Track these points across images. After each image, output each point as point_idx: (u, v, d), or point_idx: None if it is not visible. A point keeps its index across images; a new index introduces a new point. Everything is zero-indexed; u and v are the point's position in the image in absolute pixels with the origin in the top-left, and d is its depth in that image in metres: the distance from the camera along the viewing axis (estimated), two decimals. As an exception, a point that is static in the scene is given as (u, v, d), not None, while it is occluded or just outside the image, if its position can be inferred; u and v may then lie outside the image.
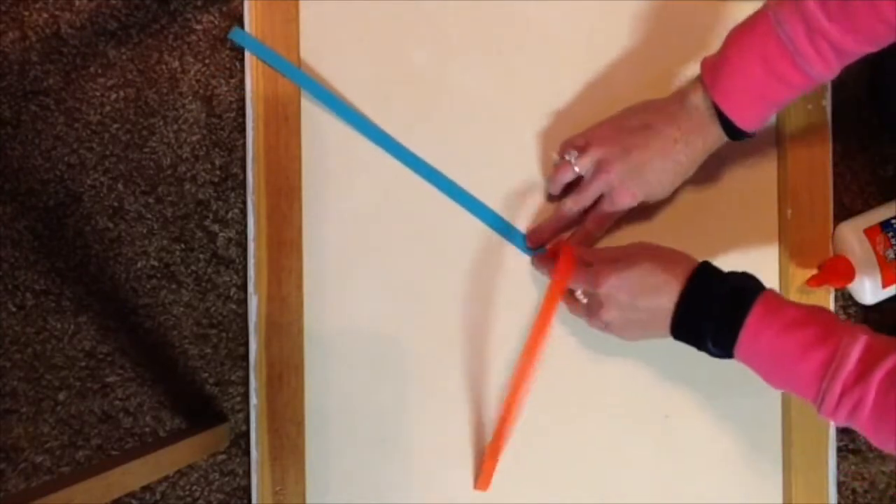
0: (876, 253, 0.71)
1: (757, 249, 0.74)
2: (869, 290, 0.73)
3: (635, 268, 0.61)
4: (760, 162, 0.73)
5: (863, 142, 0.76)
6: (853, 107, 0.76)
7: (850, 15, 0.54)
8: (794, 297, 0.72)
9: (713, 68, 0.61)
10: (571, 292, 0.68)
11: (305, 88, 0.73)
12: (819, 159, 0.73)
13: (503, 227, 0.73)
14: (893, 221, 0.72)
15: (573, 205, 0.68)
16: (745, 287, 0.59)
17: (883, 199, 0.74)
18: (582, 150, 0.67)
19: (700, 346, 0.60)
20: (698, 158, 0.65)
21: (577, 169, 0.67)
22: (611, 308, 0.63)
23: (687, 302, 0.59)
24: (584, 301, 0.67)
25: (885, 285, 0.72)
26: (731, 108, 0.60)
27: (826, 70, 0.57)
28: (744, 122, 0.61)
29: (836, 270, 0.71)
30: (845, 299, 0.75)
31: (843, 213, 0.74)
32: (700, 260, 0.61)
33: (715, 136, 0.63)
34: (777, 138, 0.74)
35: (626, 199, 0.66)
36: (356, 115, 0.73)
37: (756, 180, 0.73)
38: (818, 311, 0.57)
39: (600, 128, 0.68)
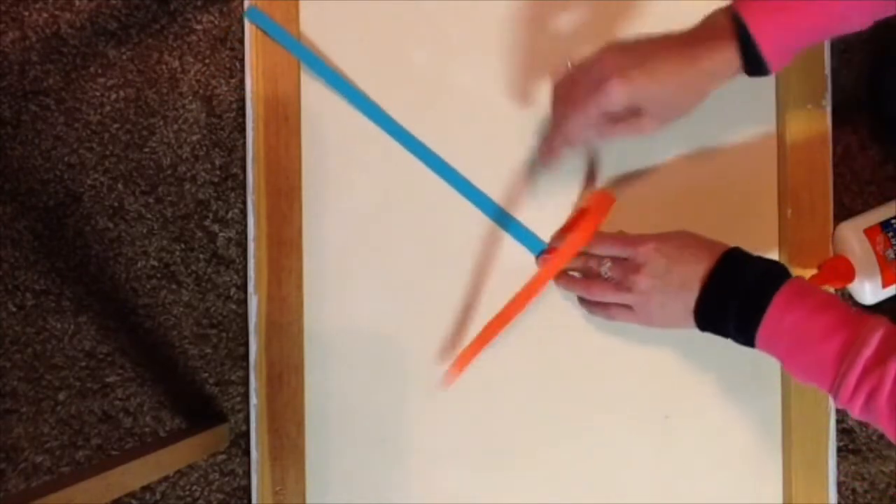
0: (876, 253, 0.71)
1: (757, 249, 0.73)
2: (869, 290, 0.73)
3: (676, 236, 0.63)
4: (760, 162, 0.73)
5: (863, 142, 0.76)
6: (853, 107, 0.76)
7: None
8: (794, 297, 0.72)
9: None
10: (593, 278, 0.68)
11: (316, 71, 0.73)
12: (819, 159, 0.73)
13: (497, 213, 0.72)
14: (893, 221, 0.72)
15: (557, 98, 0.64)
16: (775, 270, 0.59)
17: (883, 199, 0.74)
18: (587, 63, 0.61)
19: (722, 327, 0.60)
20: (702, 80, 0.58)
21: (568, 64, 0.62)
22: (648, 273, 0.63)
23: (716, 277, 0.60)
24: (610, 275, 0.66)
25: (885, 285, 0.72)
26: (752, 17, 0.54)
27: (859, 8, 0.53)
28: (765, 40, 0.54)
29: (836, 270, 0.71)
30: (845, 299, 0.75)
31: (843, 213, 0.74)
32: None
33: (725, 58, 0.56)
34: (777, 138, 0.74)
35: (618, 85, 0.57)
36: (366, 101, 0.73)
37: (756, 180, 0.73)
38: (842, 301, 0.57)
39: (604, 53, 0.61)
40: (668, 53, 0.58)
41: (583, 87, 0.60)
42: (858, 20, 0.55)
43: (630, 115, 0.60)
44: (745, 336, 0.59)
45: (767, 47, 0.55)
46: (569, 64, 0.63)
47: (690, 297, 0.61)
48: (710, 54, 0.57)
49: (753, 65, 0.56)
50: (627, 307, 0.66)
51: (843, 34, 0.56)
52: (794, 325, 0.56)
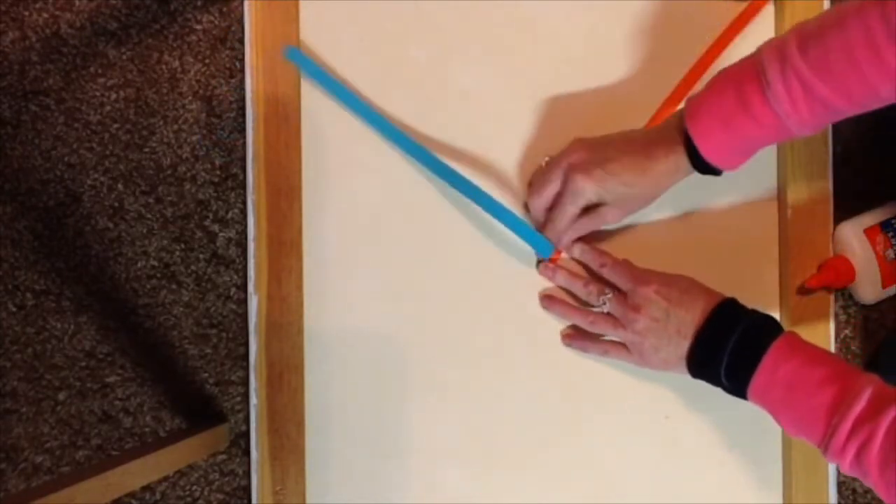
0: (876, 253, 0.71)
1: (757, 249, 0.74)
2: (869, 290, 0.73)
3: (679, 280, 0.65)
4: (760, 162, 0.73)
5: (863, 142, 0.76)
6: (853, 107, 0.76)
7: (826, 62, 0.53)
8: (794, 297, 0.73)
9: (694, 97, 0.61)
10: (589, 306, 0.70)
11: (360, 112, 0.73)
12: (819, 159, 0.73)
13: (509, 218, 0.71)
14: (893, 221, 0.72)
15: (533, 198, 0.69)
16: (768, 324, 0.60)
17: (883, 199, 0.74)
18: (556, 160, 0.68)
19: (714, 377, 0.61)
20: (661, 176, 0.63)
21: (542, 163, 0.68)
22: (647, 314, 0.64)
23: (710, 327, 0.61)
24: (608, 309, 0.67)
25: (885, 285, 0.72)
26: (697, 130, 0.59)
27: (794, 114, 0.55)
28: (707, 148, 0.59)
29: (836, 270, 0.71)
30: (845, 299, 0.75)
31: (843, 213, 0.74)
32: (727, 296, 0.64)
33: (679, 159, 0.62)
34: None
35: (581, 180, 0.64)
36: (413, 144, 0.73)
37: (756, 181, 0.73)
38: (835, 356, 0.59)
39: (579, 139, 0.68)
40: (629, 154, 0.63)
41: (552, 185, 0.67)
42: (800, 130, 0.57)
43: (595, 207, 0.66)
44: (737, 387, 0.60)
45: (714, 158, 0.60)
46: (544, 162, 0.69)
47: (684, 345, 0.63)
48: (665, 157, 0.62)
49: (703, 169, 0.62)
50: (623, 345, 0.68)
51: (797, 137, 0.59)
52: (787, 378, 0.57)
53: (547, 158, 0.69)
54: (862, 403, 0.53)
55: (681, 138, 0.61)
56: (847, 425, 0.53)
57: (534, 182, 0.70)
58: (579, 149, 0.66)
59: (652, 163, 0.62)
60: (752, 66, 0.57)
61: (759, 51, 0.57)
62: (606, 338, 0.70)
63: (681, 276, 0.66)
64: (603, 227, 0.69)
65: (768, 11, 0.73)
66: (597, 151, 0.65)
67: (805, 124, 0.56)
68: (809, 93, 0.54)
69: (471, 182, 0.71)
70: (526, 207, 0.72)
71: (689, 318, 0.62)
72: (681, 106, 0.64)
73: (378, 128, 0.73)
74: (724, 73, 0.60)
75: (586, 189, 0.64)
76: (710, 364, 0.61)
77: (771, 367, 0.58)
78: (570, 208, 0.66)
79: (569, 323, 0.72)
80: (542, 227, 0.70)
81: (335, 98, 0.73)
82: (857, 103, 0.55)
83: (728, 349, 0.60)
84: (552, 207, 0.68)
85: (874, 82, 0.52)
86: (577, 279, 0.70)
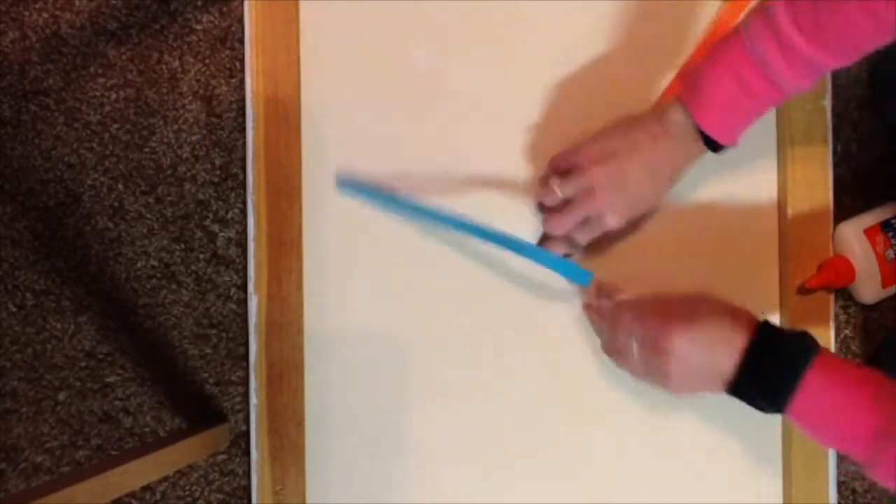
0: (876, 253, 0.71)
1: (757, 249, 0.74)
2: (869, 290, 0.73)
3: (697, 322, 0.59)
4: (760, 162, 0.73)
5: (863, 142, 0.76)
6: (853, 107, 0.76)
7: (821, 27, 0.54)
8: (794, 297, 0.72)
9: (689, 84, 0.61)
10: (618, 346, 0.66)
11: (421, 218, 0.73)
12: (819, 159, 0.73)
13: (558, 264, 0.71)
14: (893, 221, 0.72)
15: (557, 228, 0.68)
16: (805, 343, 0.58)
17: (883, 199, 0.74)
18: (567, 175, 0.67)
19: (752, 398, 0.58)
20: (681, 170, 0.65)
21: (561, 195, 0.67)
22: (670, 361, 0.60)
23: (754, 359, 0.58)
24: (635, 354, 0.64)
25: (885, 285, 0.72)
26: (707, 122, 0.61)
27: (800, 82, 0.57)
28: (723, 136, 0.62)
29: (836, 270, 0.71)
30: (845, 299, 0.76)
31: (843, 213, 0.74)
32: (759, 316, 0.60)
33: (695, 150, 0.64)
34: (777, 138, 0.73)
35: (613, 222, 0.66)
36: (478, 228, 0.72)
37: (756, 180, 0.73)
38: (871, 374, 0.57)
39: (587, 149, 0.66)
40: (649, 169, 0.64)
41: (574, 215, 0.67)
42: (805, 86, 0.58)
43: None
44: (774, 409, 0.58)
45: (728, 138, 0.62)
46: (556, 188, 0.67)
47: (719, 382, 0.59)
48: (686, 162, 0.64)
49: (719, 148, 0.63)
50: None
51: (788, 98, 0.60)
52: (828, 401, 0.55)
53: (558, 182, 0.67)
54: None
55: (692, 133, 0.62)
56: (890, 453, 0.52)
57: (547, 204, 0.69)
58: (591, 165, 0.65)
59: (670, 165, 0.64)
60: (743, 51, 0.58)
61: (747, 30, 0.57)
62: None
63: (699, 306, 0.61)
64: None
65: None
66: (611, 173, 0.65)
67: (808, 85, 0.58)
68: (812, 62, 0.56)
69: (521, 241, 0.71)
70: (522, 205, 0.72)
71: (714, 360, 0.59)
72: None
73: (455, 228, 0.72)
74: (716, 57, 0.60)
75: (620, 225, 0.66)
76: (750, 395, 0.59)
77: (811, 392, 0.56)
78: (594, 234, 0.68)
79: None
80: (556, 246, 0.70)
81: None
82: (854, 58, 0.56)
83: (767, 381, 0.57)
84: (557, 224, 0.68)
85: (867, 32, 0.53)
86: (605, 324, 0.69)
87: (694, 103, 0.61)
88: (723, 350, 0.58)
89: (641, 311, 0.64)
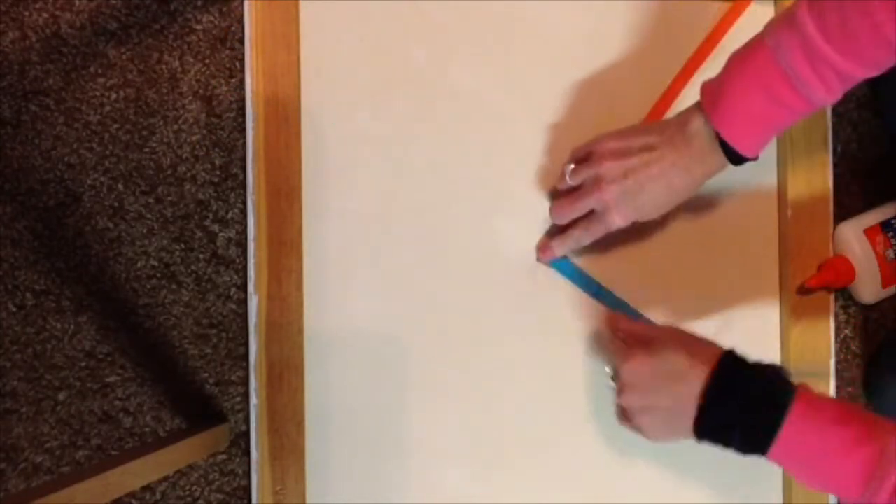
0: (876, 253, 0.71)
1: (757, 249, 0.74)
2: (869, 290, 0.73)
3: (659, 354, 0.60)
4: (760, 162, 0.73)
5: (863, 142, 0.76)
6: (853, 107, 0.76)
7: (850, 37, 0.52)
8: (794, 297, 0.72)
9: (713, 96, 0.59)
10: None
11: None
12: (819, 160, 0.73)
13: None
14: (893, 221, 0.72)
15: (559, 214, 0.68)
16: (779, 383, 0.56)
17: (883, 199, 0.74)
18: (581, 162, 0.66)
19: (727, 442, 0.57)
20: (697, 184, 0.63)
21: (570, 181, 0.66)
22: (630, 392, 0.62)
23: (714, 394, 0.57)
24: (612, 384, 0.65)
25: (885, 285, 0.72)
26: (733, 135, 0.59)
27: (828, 94, 0.55)
28: (746, 148, 0.59)
29: (836, 270, 0.71)
30: (845, 299, 0.76)
31: (843, 213, 0.74)
32: (725, 348, 0.59)
33: (716, 163, 0.61)
34: (777, 138, 0.73)
35: (617, 220, 0.65)
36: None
37: (756, 180, 0.73)
38: (855, 408, 0.56)
39: (605, 142, 0.65)
40: (663, 176, 0.62)
41: (579, 207, 0.66)
42: (832, 98, 0.56)
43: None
44: (753, 452, 0.57)
45: (751, 150, 0.60)
46: (566, 172, 0.67)
47: (688, 419, 0.58)
48: (704, 171, 0.62)
49: (741, 160, 0.61)
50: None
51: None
52: (810, 444, 0.54)
53: (572, 167, 0.67)
54: None
55: (713, 145, 0.60)
56: (889, 485, 0.51)
57: (559, 189, 0.69)
58: (605, 158, 0.64)
59: (686, 178, 0.62)
60: (771, 61, 0.55)
61: (775, 40, 0.55)
62: None
63: (666, 340, 0.61)
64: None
65: (758, 8, 0.73)
66: (624, 173, 0.63)
67: (836, 96, 0.56)
68: (841, 74, 0.54)
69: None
70: (523, 204, 0.72)
71: (679, 391, 0.58)
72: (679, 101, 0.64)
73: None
74: (741, 68, 0.57)
75: (621, 226, 0.65)
76: (722, 434, 0.57)
77: (791, 436, 0.54)
78: (600, 234, 0.67)
79: None
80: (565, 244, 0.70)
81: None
82: (884, 67, 0.54)
83: (738, 423, 0.56)
84: (565, 216, 0.68)
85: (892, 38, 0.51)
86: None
87: (717, 114, 0.59)
88: (684, 380, 0.58)
89: (613, 343, 0.66)
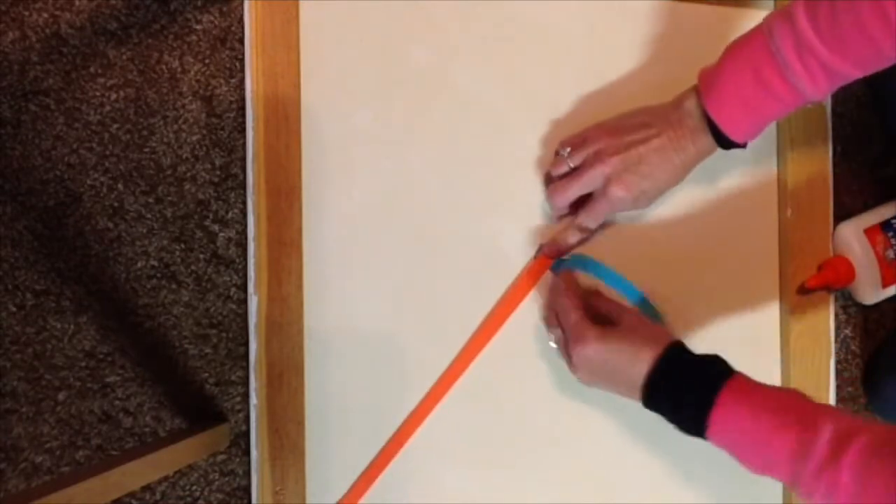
0: (876, 253, 0.71)
1: (757, 249, 0.74)
2: (869, 290, 0.73)
3: (610, 343, 0.62)
4: (760, 162, 0.74)
5: (863, 142, 0.76)
6: (853, 107, 0.76)
7: (838, 32, 0.54)
8: (794, 297, 0.73)
9: (708, 77, 0.62)
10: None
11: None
12: (819, 159, 0.73)
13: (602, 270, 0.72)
14: (893, 221, 0.72)
15: (560, 196, 0.68)
16: (715, 368, 0.59)
17: (883, 199, 0.74)
18: (578, 146, 0.67)
19: (672, 420, 0.60)
20: (690, 165, 0.65)
21: (570, 163, 0.67)
22: (579, 370, 0.65)
23: (657, 377, 0.60)
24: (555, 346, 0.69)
25: (885, 285, 0.72)
26: (720, 117, 0.61)
27: (814, 88, 0.57)
28: (733, 131, 0.61)
29: (836, 270, 0.71)
30: (845, 299, 0.76)
31: (843, 213, 0.74)
32: (674, 338, 0.62)
33: (706, 144, 0.63)
34: (777, 138, 0.74)
35: (619, 192, 0.65)
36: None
37: (756, 180, 0.73)
38: (787, 395, 0.57)
39: (600, 125, 0.68)
40: (658, 151, 0.64)
41: (578, 185, 0.67)
42: (818, 94, 0.58)
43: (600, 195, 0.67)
44: (696, 433, 0.59)
45: (740, 138, 0.62)
46: (566, 154, 0.68)
47: (635, 395, 0.62)
48: (694, 148, 0.64)
49: (728, 145, 0.63)
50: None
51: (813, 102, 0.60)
52: (742, 428, 0.56)
53: (568, 150, 0.68)
54: (820, 448, 0.51)
55: (703, 125, 0.63)
56: (809, 472, 0.52)
57: (554, 175, 0.69)
58: (602, 137, 0.66)
59: (681, 156, 0.64)
60: (764, 46, 0.58)
61: (769, 28, 0.58)
62: None
63: (620, 322, 0.64)
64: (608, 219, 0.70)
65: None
66: (623, 146, 0.65)
67: (822, 92, 0.58)
68: (828, 68, 0.56)
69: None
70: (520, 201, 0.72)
71: (627, 374, 0.61)
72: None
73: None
74: (735, 52, 0.60)
75: (625, 199, 0.65)
76: (666, 412, 0.60)
77: (723, 418, 0.57)
78: (605, 213, 0.68)
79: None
80: (571, 234, 0.71)
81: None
82: (868, 69, 0.56)
83: (677, 400, 0.59)
84: (577, 204, 0.68)
85: (882, 44, 0.53)
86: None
87: (709, 95, 0.61)
88: (632, 364, 0.61)
89: (573, 306, 0.66)
